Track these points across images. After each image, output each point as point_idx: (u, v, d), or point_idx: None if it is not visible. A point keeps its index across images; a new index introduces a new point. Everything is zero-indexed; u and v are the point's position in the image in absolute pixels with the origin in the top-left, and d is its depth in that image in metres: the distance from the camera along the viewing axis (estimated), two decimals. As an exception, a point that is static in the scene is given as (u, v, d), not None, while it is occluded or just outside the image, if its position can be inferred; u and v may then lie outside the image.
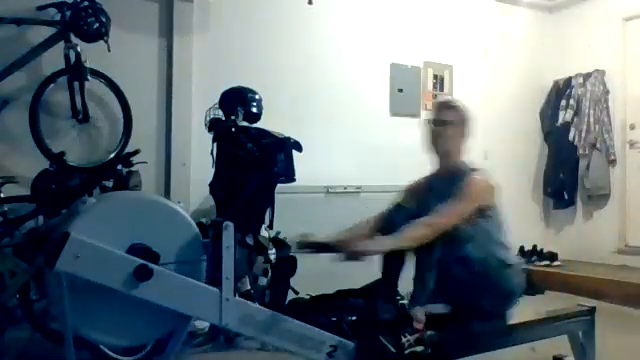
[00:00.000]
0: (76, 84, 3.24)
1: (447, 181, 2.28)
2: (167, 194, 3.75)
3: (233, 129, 3.27)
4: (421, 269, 2.13)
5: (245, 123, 3.35)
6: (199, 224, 1.90)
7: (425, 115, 4.93)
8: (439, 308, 2.27)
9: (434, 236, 2.06)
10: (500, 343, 2.29)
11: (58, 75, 3.23)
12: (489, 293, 2.17)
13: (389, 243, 2.10)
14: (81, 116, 3.31)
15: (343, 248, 2.04)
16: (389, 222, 2.27)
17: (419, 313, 2.07)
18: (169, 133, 3.84)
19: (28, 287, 2.61)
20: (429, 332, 2.07)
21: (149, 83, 3.81)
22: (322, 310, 3.18)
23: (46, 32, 3.24)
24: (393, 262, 2.25)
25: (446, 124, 2.30)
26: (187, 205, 3.60)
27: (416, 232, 2.06)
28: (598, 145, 5.08)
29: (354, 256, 2.02)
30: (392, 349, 1.96)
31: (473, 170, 2.29)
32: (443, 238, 2.08)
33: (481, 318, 2.21)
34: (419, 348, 1.99)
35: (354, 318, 2.41)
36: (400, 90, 4.83)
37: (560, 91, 5.40)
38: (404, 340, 1.99)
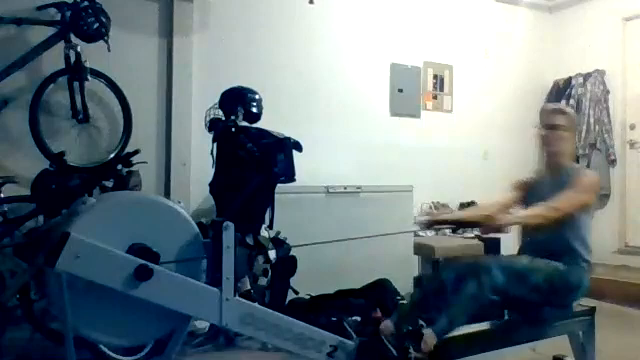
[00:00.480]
0: (76, 84, 3.24)
1: (554, 180, 2.45)
2: (167, 194, 3.75)
3: (233, 129, 3.26)
4: (459, 302, 2.13)
5: (245, 123, 3.35)
6: (199, 224, 1.90)
7: (425, 115, 4.96)
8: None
9: (553, 219, 2.21)
10: (501, 343, 2.29)
11: (58, 75, 3.23)
12: (557, 295, 2.32)
13: (521, 216, 2.34)
14: (81, 116, 3.31)
15: (487, 222, 2.21)
16: None
17: (431, 340, 2.04)
18: (169, 133, 3.84)
19: (28, 287, 2.61)
20: None
21: (149, 83, 3.81)
22: (322, 310, 3.19)
23: (46, 32, 3.24)
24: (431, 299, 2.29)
25: (555, 128, 2.48)
26: (187, 205, 3.60)
27: (540, 212, 2.24)
28: (598, 145, 5.08)
29: (495, 229, 2.21)
30: (394, 352, 1.96)
31: (582, 168, 2.53)
32: (504, 275, 2.16)
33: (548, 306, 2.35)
34: None
35: (356, 318, 2.42)
36: (400, 90, 4.83)
37: (560, 91, 5.39)
38: (409, 348, 1.98)
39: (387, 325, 2.16)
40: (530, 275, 2.23)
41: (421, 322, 2.10)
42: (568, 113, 2.57)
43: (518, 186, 2.66)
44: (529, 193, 2.54)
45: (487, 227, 2.22)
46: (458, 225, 2.52)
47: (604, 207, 5.13)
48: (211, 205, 3.46)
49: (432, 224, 2.52)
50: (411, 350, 1.98)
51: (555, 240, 2.35)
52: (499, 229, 2.22)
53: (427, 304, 2.26)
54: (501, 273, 2.15)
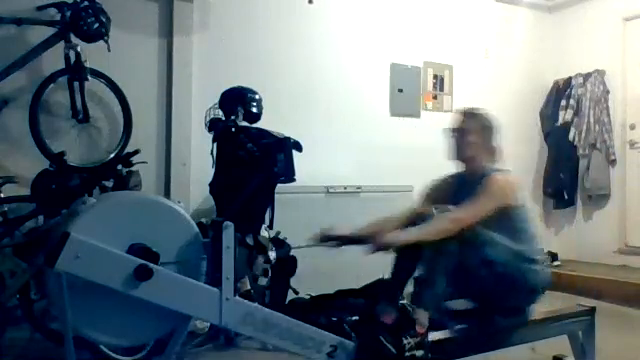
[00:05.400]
0: (76, 84, 3.23)
1: (468, 184, 2.34)
2: (167, 194, 3.75)
3: (233, 129, 3.27)
4: (432, 273, 2.13)
5: (245, 123, 3.35)
6: (199, 224, 1.90)
7: (425, 115, 4.96)
8: (461, 304, 2.33)
9: (456, 231, 2.11)
10: (501, 343, 2.29)
11: (58, 75, 3.23)
12: (513, 291, 2.23)
13: (415, 234, 2.15)
14: (81, 116, 3.30)
15: (371, 240, 2.09)
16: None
17: (423, 317, 2.06)
18: (169, 133, 3.84)
19: (28, 287, 2.61)
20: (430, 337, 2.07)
21: (149, 83, 3.81)
22: (322, 310, 3.19)
23: (46, 32, 3.23)
24: (406, 264, 2.26)
25: (465, 132, 2.40)
26: (187, 205, 3.60)
27: (440, 226, 2.12)
28: (598, 145, 5.08)
29: (382, 248, 2.09)
30: (393, 350, 1.96)
31: (495, 170, 2.34)
32: (461, 241, 2.11)
33: (504, 314, 2.26)
34: (419, 352, 1.99)
35: (355, 318, 2.41)
36: (400, 90, 4.83)
37: (560, 91, 5.40)
38: (405, 342, 1.98)
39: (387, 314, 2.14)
40: (488, 246, 2.15)
41: (403, 303, 2.10)
42: (477, 114, 2.47)
43: (426, 197, 2.52)
44: (440, 201, 2.34)
45: (373, 245, 2.07)
46: (349, 243, 2.29)
47: (604, 207, 5.15)
48: (211, 205, 3.47)
49: (325, 240, 2.32)
50: (409, 340, 1.98)
51: (492, 253, 2.19)
52: (386, 248, 2.10)
53: (405, 274, 2.24)
54: (468, 224, 2.12)
